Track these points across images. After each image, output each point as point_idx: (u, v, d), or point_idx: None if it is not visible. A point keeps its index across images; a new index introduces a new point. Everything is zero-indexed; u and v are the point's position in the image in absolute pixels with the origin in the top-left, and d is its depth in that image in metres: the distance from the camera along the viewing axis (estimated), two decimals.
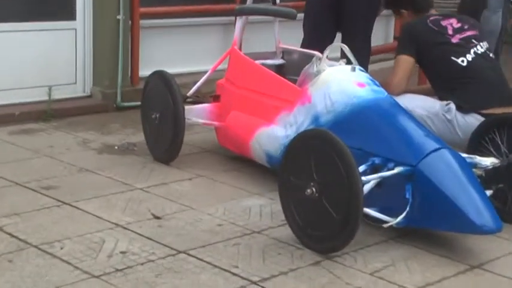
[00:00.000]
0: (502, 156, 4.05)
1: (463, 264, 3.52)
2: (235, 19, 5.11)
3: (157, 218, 3.94)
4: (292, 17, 5.04)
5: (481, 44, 4.64)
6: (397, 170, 3.64)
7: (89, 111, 6.23)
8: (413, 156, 3.66)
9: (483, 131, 4.21)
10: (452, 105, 4.44)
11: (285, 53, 5.23)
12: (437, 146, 3.76)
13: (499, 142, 4.13)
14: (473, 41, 4.63)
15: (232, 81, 4.88)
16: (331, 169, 3.45)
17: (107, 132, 5.69)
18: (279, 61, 5.17)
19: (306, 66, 4.47)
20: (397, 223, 3.59)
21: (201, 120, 4.89)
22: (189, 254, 3.49)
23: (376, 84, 4.18)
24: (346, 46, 4.46)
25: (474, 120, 4.38)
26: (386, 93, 4.15)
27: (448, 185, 3.58)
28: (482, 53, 4.58)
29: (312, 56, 4.95)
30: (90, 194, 4.25)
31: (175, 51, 6.97)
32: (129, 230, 3.75)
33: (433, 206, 3.57)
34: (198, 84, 5.06)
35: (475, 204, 3.54)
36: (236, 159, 4.98)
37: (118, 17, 6.24)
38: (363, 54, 5.24)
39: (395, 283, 3.30)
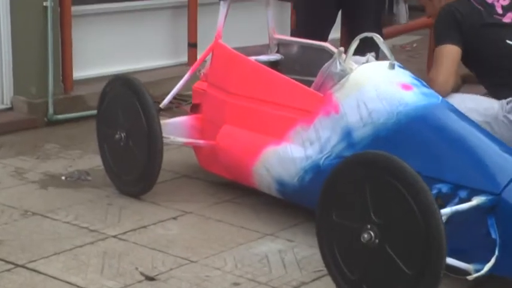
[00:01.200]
0: None
1: None
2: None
3: (151, 279, 3.43)
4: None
5: None
6: (476, 200, 3.19)
7: (11, 128, 5.66)
8: (495, 182, 3.24)
9: None
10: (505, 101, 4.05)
11: (281, 45, 4.75)
12: None
13: None
14: None
15: (219, 86, 4.35)
16: (398, 207, 3.00)
17: (44, 156, 5.12)
18: (274, 56, 4.69)
19: (326, 65, 3.99)
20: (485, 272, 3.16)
21: (181, 139, 4.37)
22: None
23: (425, 85, 3.76)
24: (379, 37, 4.02)
25: None
26: (440, 97, 3.73)
27: None
28: None
29: (319, 48, 4.57)
30: (48, 249, 3.70)
31: (115, 44, 6.44)
32: None
33: None
34: (174, 91, 4.53)
35: None
36: (227, 186, 4.52)
37: (45, 3, 5.62)
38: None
39: None
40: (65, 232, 3.91)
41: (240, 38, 6.00)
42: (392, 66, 3.81)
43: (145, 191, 4.31)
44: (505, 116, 4.04)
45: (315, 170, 3.79)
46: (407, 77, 3.80)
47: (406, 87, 3.70)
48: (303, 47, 4.66)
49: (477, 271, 3.16)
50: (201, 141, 4.38)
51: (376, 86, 3.71)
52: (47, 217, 4.10)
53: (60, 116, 5.74)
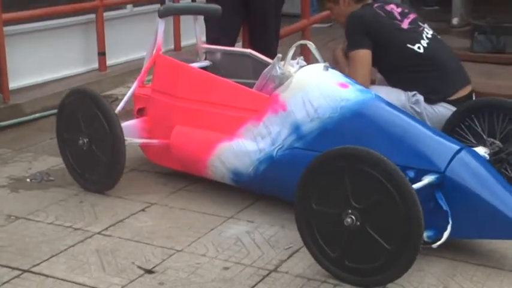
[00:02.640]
0: (485, 143, 3.63)
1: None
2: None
3: (150, 272, 3.09)
4: (218, 14, 4.29)
5: (426, 25, 4.16)
6: (427, 179, 3.06)
7: None
8: (438, 162, 3.12)
9: (458, 119, 3.78)
10: (420, 96, 3.93)
11: (208, 53, 4.43)
12: (458, 146, 3.24)
13: (479, 129, 3.71)
14: (420, 23, 4.14)
15: (166, 92, 4.01)
16: (377, 193, 2.81)
17: (1, 161, 4.58)
18: (204, 63, 4.36)
19: (266, 69, 3.74)
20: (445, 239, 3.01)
21: (138, 140, 4.00)
22: None
23: (357, 83, 3.57)
24: (312, 43, 3.79)
25: (444, 109, 3.93)
26: (373, 92, 3.55)
27: (483, 188, 3.07)
28: (432, 35, 4.10)
29: (242, 54, 4.30)
30: (45, 251, 3.28)
31: (41, 57, 5.94)
32: None
33: (472, 214, 3.04)
34: (125, 99, 4.13)
35: None
36: (173, 175, 4.19)
37: None
38: (274, 52, 4.66)
39: None
40: (53, 233, 3.49)
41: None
42: (326, 68, 3.61)
43: (110, 188, 3.94)
44: (411, 107, 3.93)
45: (269, 160, 3.56)
46: (340, 76, 3.62)
47: (343, 85, 3.51)
48: (227, 53, 4.36)
49: (429, 237, 3.02)
50: (155, 141, 4.02)
51: (318, 85, 3.51)
52: (31, 220, 3.65)
53: (2, 123, 5.16)
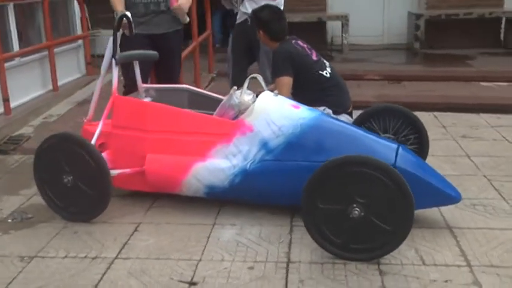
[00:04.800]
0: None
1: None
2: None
3: (192, 283, 2.63)
4: (156, 58, 3.79)
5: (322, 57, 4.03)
6: None
7: None
8: (390, 157, 3.02)
9: (361, 122, 3.72)
10: (329, 110, 3.78)
11: (146, 91, 3.89)
12: (395, 143, 3.16)
13: (376, 128, 3.69)
14: (320, 56, 3.99)
15: (130, 127, 3.44)
16: (378, 188, 2.64)
17: None
18: (147, 99, 3.81)
19: (225, 99, 3.37)
20: None
21: (115, 171, 3.38)
22: None
23: (303, 104, 3.34)
24: (261, 76, 3.46)
25: (345, 118, 3.84)
26: (319, 110, 3.34)
27: (421, 171, 3.04)
28: (329, 65, 3.98)
29: (179, 89, 3.89)
30: (83, 284, 2.67)
31: None
32: None
33: (415, 191, 2.93)
34: (95, 136, 3.45)
35: (445, 181, 3.08)
36: (135, 196, 3.61)
37: None
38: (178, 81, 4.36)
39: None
40: (76, 266, 2.84)
41: None
42: (276, 95, 3.32)
43: (96, 216, 3.31)
44: None
45: (244, 173, 3.23)
46: (289, 100, 3.37)
47: (295, 107, 3.29)
48: (164, 89, 3.88)
49: None
50: (127, 170, 3.42)
51: (276, 108, 3.25)
52: (45, 257, 2.93)
53: None
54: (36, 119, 5.61)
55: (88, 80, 7.11)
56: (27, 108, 5.70)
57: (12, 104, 5.45)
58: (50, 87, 6.38)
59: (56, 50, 6.37)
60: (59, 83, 6.45)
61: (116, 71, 3.54)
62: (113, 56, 3.51)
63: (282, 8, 4.59)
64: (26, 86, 5.91)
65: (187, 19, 4.36)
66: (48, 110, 5.89)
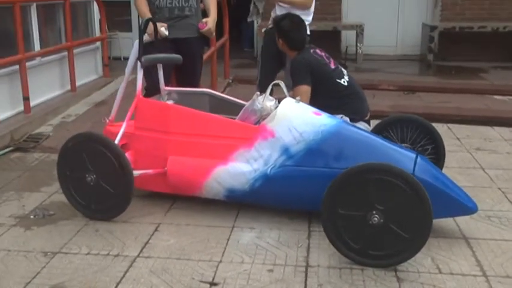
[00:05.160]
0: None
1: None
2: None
3: (213, 284, 2.68)
4: (180, 61, 3.86)
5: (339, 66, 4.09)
6: None
7: None
8: (407, 166, 3.06)
9: (379, 131, 3.77)
10: (346, 117, 3.84)
11: (168, 94, 3.95)
12: (413, 153, 3.21)
13: (394, 137, 3.75)
14: (338, 64, 4.05)
15: (153, 128, 3.51)
16: (397, 195, 2.69)
17: None
18: (170, 102, 3.88)
19: (247, 104, 3.44)
20: None
21: (137, 172, 3.42)
22: None
23: (324, 112, 3.40)
24: (282, 82, 3.53)
25: (362, 126, 3.87)
26: (339, 117, 3.40)
27: (439, 181, 3.09)
28: (347, 73, 4.04)
29: (201, 93, 3.95)
30: (106, 280, 2.72)
31: None
32: None
33: (433, 200, 2.95)
34: (119, 136, 3.51)
35: (462, 193, 3.12)
36: (156, 197, 3.66)
37: None
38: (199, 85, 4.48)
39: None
40: (98, 263, 2.90)
41: None
42: (298, 101, 3.39)
43: (116, 216, 3.37)
44: None
45: (264, 177, 3.28)
46: (310, 107, 3.42)
47: (317, 113, 3.34)
48: (186, 93, 3.95)
49: None
50: (150, 171, 3.49)
51: (298, 115, 3.30)
52: (68, 253, 3.00)
53: None
54: (55, 118, 5.70)
55: (105, 81, 7.21)
56: (46, 107, 5.80)
57: (32, 103, 5.55)
58: (68, 87, 6.47)
59: (74, 51, 6.48)
60: (77, 84, 6.55)
61: (140, 74, 3.61)
62: (138, 58, 3.58)
63: (311, 17, 4.66)
64: (45, 86, 6.00)
65: (214, 35, 4.51)
66: (66, 109, 5.98)
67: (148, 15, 4.06)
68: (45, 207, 3.61)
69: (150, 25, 3.86)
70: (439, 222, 3.23)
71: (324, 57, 3.97)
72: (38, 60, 5.91)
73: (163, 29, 4.01)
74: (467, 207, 3.08)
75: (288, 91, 3.64)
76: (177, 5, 4.21)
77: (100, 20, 7.29)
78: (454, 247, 3.02)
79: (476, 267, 2.82)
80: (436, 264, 2.84)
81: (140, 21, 3.84)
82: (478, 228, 3.25)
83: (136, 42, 3.61)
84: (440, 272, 2.77)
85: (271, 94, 3.50)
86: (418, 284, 2.67)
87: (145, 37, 3.72)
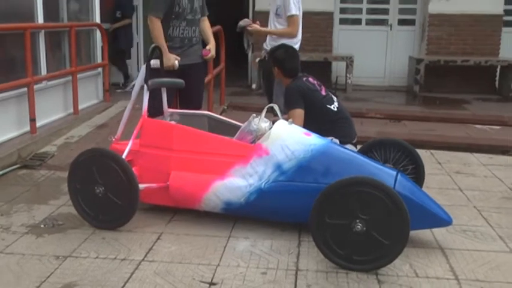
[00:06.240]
0: None
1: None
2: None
3: (212, 284, 2.96)
4: (183, 86, 4.20)
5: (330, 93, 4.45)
6: None
7: None
8: (390, 182, 3.38)
9: (364, 152, 4.08)
10: (336, 140, 4.17)
11: (170, 115, 4.28)
12: (394, 170, 3.54)
13: (377, 158, 4.08)
14: (329, 92, 4.41)
15: (157, 146, 3.81)
16: (378, 206, 3.01)
17: (4, 213, 3.96)
18: (172, 123, 4.19)
19: (244, 125, 3.77)
20: None
21: (142, 185, 3.72)
22: None
23: (314, 132, 3.73)
24: (276, 105, 3.87)
25: (350, 148, 4.19)
26: (328, 138, 3.73)
27: (417, 196, 3.41)
28: (337, 99, 4.39)
29: (201, 115, 4.28)
30: (114, 280, 2.99)
31: None
32: None
33: (411, 213, 3.25)
34: (125, 153, 3.81)
35: (438, 206, 3.44)
36: (156, 210, 3.95)
37: None
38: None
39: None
40: (107, 265, 3.18)
41: None
42: (290, 123, 3.71)
43: (121, 225, 3.66)
44: None
45: (258, 191, 3.59)
46: (301, 128, 3.75)
47: (307, 134, 3.67)
48: (187, 115, 4.28)
49: None
50: (154, 185, 3.78)
51: (290, 135, 3.63)
52: (78, 257, 3.27)
53: None
54: (59, 138, 5.99)
55: (105, 106, 7.53)
56: (50, 128, 6.09)
57: (37, 124, 5.85)
58: (71, 110, 6.79)
59: (77, 76, 6.81)
60: (79, 107, 6.86)
61: (147, 96, 3.93)
62: (145, 82, 3.91)
63: (298, 45, 5.04)
64: (50, 108, 6.31)
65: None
66: (69, 131, 6.28)
67: (162, 42, 4.40)
68: (54, 217, 3.89)
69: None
70: (418, 234, 3.54)
71: (316, 85, 4.33)
72: (44, 83, 6.24)
73: (176, 62, 4.41)
74: (442, 220, 3.40)
75: (281, 114, 3.98)
76: (187, 35, 4.59)
77: (102, 47, 7.66)
78: (430, 256, 3.33)
79: (450, 272, 3.12)
80: (413, 269, 3.15)
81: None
82: (454, 240, 3.56)
83: (143, 67, 3.95)
84: (417, 276, 3.07)
85: (265, 116, 3.83)
86: (397, 285, 2.97)
87: (153, 62, 4.06)
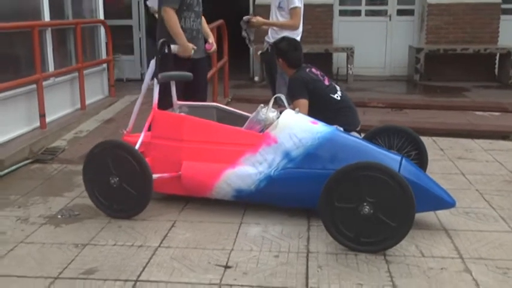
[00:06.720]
0: None
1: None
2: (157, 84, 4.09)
3: (227, 267, 3.09)
4: (191, 79, 4.31)
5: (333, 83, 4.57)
6: None
7: None
8: (395, 167, 3.50)
9: (368, 139, 4.21)
10: (340, 128, 4.27)
11: (180, 107, 4.39)
12: (399, 156, 3.66)
13: (382, 144, 4.20)
14: (332, 82, 4.53)
15: (168, 137, 3.94)
16: (385, 189, 3.13)
17: (21, 205, 4.10)
18: (182, 114, 4.31)
19: (252, 115, 3.89)
20: None
21: (155, 175, 3.85)
22: None
23: (320, 121, 3.85)
24: (283, 95, 3.99)
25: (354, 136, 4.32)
26: (332, 126, 3.85)
27: (421, 179, 3.53)
28: (340, 89, 4.51)
29: (209, 106, 4.40)
30: (133, 265, 3.12)
31: None
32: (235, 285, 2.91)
33: (416, 196, 3.34)
34: (138, 144, 3.93)
35: (442, 189, 3.56)
36: (168, 199, 4.08)
37: None
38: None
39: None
40: (125, 252, 3.31)
41: None
42: (297, 112, 3.83)
43: (136, 214, 3.79)
44: None
45: (268, 178, 3.72)
46: (307, 117, 3.87)
47: (314, 122, 3.79)
48: (196, 107, 4.40)
49: None
50: (166, 175, 3.91)
51: (298, 123, 3.75)
52: (97, 244, 3.40)
53: None
54: (68, 133, 6.12)
55: (111, 101, 7.65)
56: (59, 124, 6.22)
57: (46, 120, 5.97)
58: (78, 106, 6.91)
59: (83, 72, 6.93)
60: (86, 103, 6.98)
61: (157, 89, 4.06)
62: (155, 75, 4.03)
63: (299, 37, 5.16)
64: (58, 104, 6.43)
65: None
66: (78, 126, 6.41)
67: (179, 31, 4.52)
68: (70, 208, 4.02)
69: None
70: (423, 217, 3.67)
71: (319, 75, 4.45)
72: (52, 80, 6.36)
73: (192, 51, 4.57)
74: (446, 202, 3.52)
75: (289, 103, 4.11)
76: (196, 27, 4.70)
77: (107, 43, 7.77)
78: (435, 236, 3.46)
79: (454, 251, 3.26)
80: (419, 250, 3.28)
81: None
82: (457, 221, 3.70)
83: (153, 61, 4.07)
84: (423, 256, 3.20)
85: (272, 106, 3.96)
86: (404, 265, 3.10)
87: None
